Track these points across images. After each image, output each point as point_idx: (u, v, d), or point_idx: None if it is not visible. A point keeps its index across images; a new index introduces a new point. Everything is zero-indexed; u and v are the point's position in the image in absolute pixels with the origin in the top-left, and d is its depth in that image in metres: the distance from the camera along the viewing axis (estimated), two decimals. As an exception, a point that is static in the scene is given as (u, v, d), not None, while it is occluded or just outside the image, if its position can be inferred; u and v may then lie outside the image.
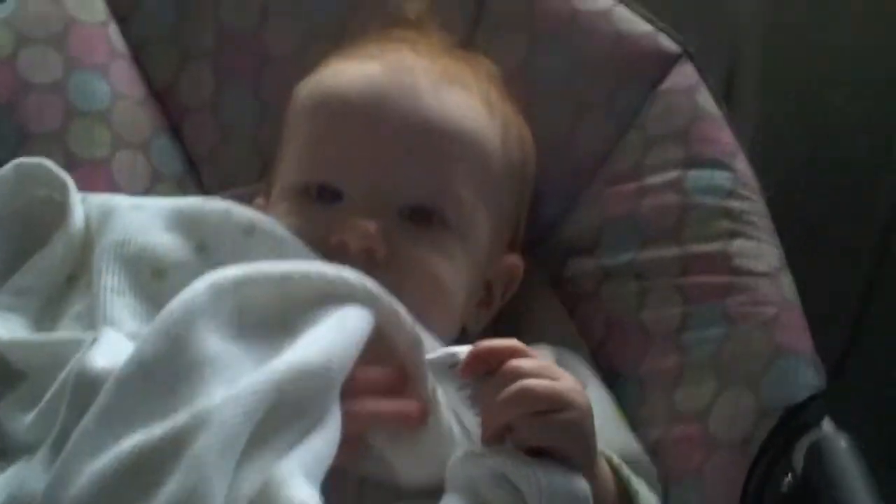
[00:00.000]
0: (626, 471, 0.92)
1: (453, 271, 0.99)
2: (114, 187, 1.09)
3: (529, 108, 1.10)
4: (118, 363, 0.79)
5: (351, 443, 0.84)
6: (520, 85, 1.11)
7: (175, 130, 1.17)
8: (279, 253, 0.93)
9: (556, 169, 1.12)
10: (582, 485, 0.83)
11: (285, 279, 0.85)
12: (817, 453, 0.92)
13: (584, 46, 1.14)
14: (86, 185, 1.02)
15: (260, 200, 1.06)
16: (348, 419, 0.83)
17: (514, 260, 1.06)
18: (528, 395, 0.83)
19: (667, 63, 1.13)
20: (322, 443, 0.81)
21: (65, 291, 0.96)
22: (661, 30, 1.14)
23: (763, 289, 1.02)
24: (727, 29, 1.39)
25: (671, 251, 1.06)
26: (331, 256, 0.93)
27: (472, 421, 0.86)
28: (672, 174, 1.09)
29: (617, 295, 1.08)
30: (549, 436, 0.84)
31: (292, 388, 0.79)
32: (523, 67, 1.14)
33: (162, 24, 1.17)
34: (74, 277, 0.97)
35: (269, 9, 1.18)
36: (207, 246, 0.95)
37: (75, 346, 0.86)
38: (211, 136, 1.17)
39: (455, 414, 0.88)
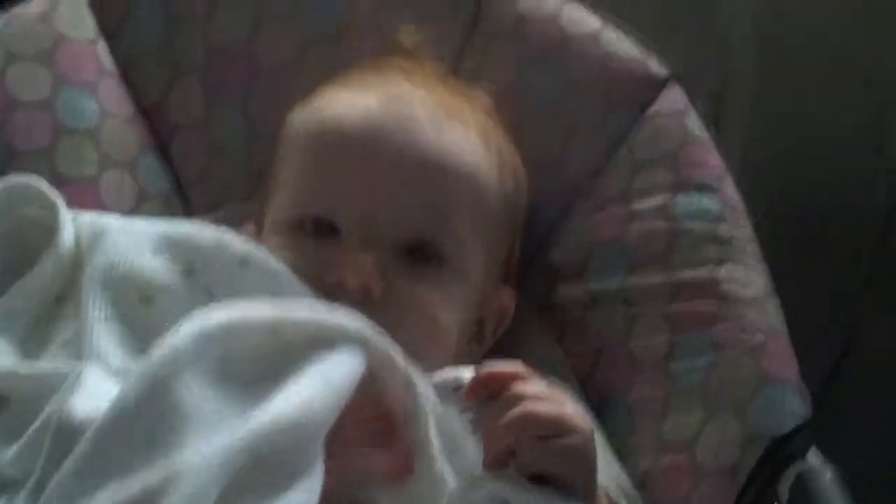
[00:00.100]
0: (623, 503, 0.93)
1: (449, 308, 0.99)
2: (101, 206, 1.09)
3: (518, 131, 1.10)
4: (100, 409, 0.78)
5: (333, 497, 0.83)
6: (509, 107, 1.11)
7: (163, 149, 1.16)
8: (273, 287, 0.92)
9: (545, 191, 1.12)
10: None
11: (275, 324, 0.83)
12: (803, 485, 0.92)
13: (572, 69, 1.14)
14: (73, 204, 1.01)
15: (251, 227, 1.06)
16: (330, 474, 0.82)
17: (507, 295, 1.06)
18: (532, 418, 0.83)
19: (655, 87, 1.13)
20: (303, 497, 0.79)
21: (53, 312, 0.96)
22: (650, 53, 1.15)
23: (750, 315, 1.02)
24: (715, 52, 1.39)
25: (660, 277, 1.06)
26: (326, 293, 0.93)
27: (474, 446, 0.86)
28: (660, 199, 1.09)
29: (605, 321, 1.08)
30: (551, 460, 0.84)
31: (268, 444, 0.78)
32: (512, 90, 1.13)
33: (151, 41, 1.17)
34: (63, 298, 0.96)
35: (261, 22, 1.17)
36: (196, 270, 0.95)
37: (60, 378, 0.85)
38: (199, 154, 1.16)
39: (448, 454, 0.87)
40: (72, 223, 0.98)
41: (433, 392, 0.86)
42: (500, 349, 1.06)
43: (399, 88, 1.03)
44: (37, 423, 0.84)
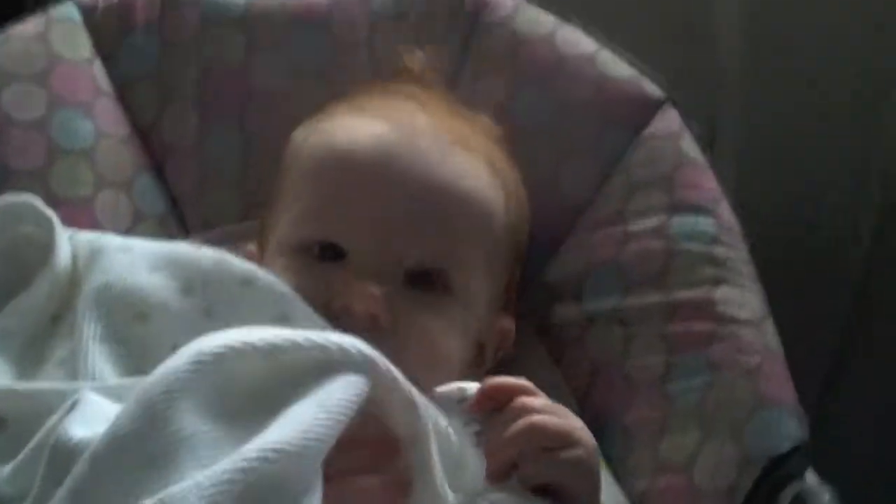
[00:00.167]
0: None
1: (451, 335, 0.99)
2: (96, 226, 1.08)
3: (513, 152, 1.10)
4: (96, 430, 0.78)
5: None
6: (504, 128, 1.11)
7: (158, 169, 1.16)
8: (277, 308, 0.93)
9: (541, 212, 1.11)
10: None
11: (274, 350, 0.81)
12: (801, 506, 0.92)
13: (568, 90, 1.14)
14: (69, 225, 1.01)
15: (252, 247, 1.05)
16: (328, 499, 0.80)
17: (507, 323, 1.06)
18: (538, 430, 0.84)
19: (651, 109, 1.14)
20: None
21: (49, 331, 0.96)
22: (645, 75, 1.15)
23: (747, 337, 1.02)
24: (708, 75, 1.40)
25: (656, 297, 1.06)
26: (332, 318, 0.93)
27: (477, 458, 0.86)
28: (656, 220, 1.09)
29: (602, 342, 1.08)
30: (556, 472, 0.85)
31: (265, 472, 0.76)
32: (507, 111, 1.14)
33: (147, 62, 1.17)
34: (59, 317, 0.96)
35: (255, 48, 1.17)
36: (194, 288, 0.95)
37: (56, 397, 0.85)
38: (194, 175, 1.16)
39: (449, 473, 0.87)
40: (68, 241, 0.98)
41: (435, 411, 0.86)
42: (500, 372, 1.04)
43: (409, 115, 1.03)
44: (33, 442, 0.83)
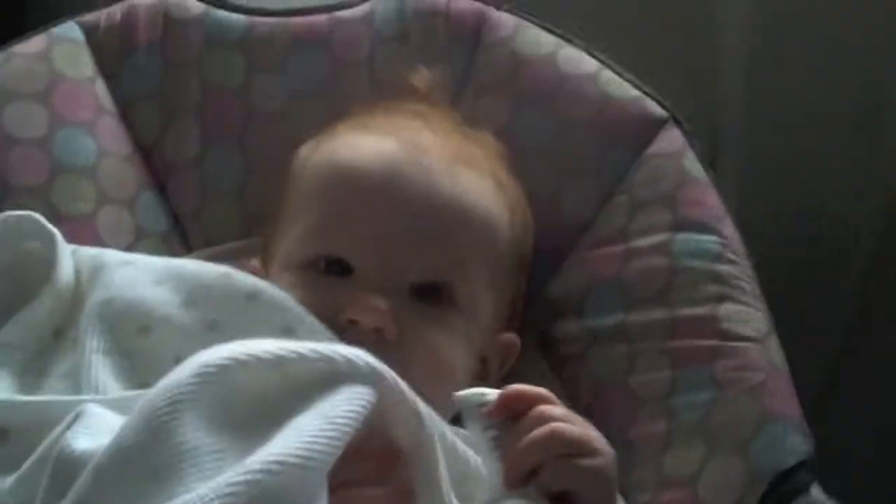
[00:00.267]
0: None
1: (456, 348, 1.00)
2: (99, 243, 1.08)
3: (516, 170, 1.10)
4: (99, 443, 0.77)
5: None
6: (506, 147, 1.11)
7: (160, 188, 1.16)
8: (284, 322, 0.93)
9: (543, 230, 1.12)
10: None
11: (280, 361, 0.80)
12: (807, 520, 0.92)
13: (571, 109, 1.14)
14: (71, 241, 1.01)
15: (256, 262, 1.06)
16: None
17: (512, 337, 1.06)
18: (558, 437, 0.85)
19: (654, 127, 1.14)
20: None
21: (52, 345, 0.95)
22: (648, 94, 1.15)
23: (751, 354, 1.02)
24: (711, 95, 1.40)
25: (659, 314, 1.06)
26: (339, 332, 0.93)
27: (494, 464, 0.86)
28: (659, 237, 1.09)
29: (605, 358, 1.07)
30: (575, 480, 0.85)
31: (269, 485, 0.75)
32: (509, 130, 1.14)
33: (149, 82, 1.17)
34: (62, 331, 0.96)
35: (254, 70, 1.18)
36: (197, 302, 0.95)
37: (59, 409, 0.84)
38: (196, 193, 1.16)
39: (455, 483, 0.86)
40: (71, 257, 0.98)
41: (441, 422, 0.86)
42: (501, 386, 1.05)
43: (414, 133, 1.04)
44: (36, 454, 0.83)
